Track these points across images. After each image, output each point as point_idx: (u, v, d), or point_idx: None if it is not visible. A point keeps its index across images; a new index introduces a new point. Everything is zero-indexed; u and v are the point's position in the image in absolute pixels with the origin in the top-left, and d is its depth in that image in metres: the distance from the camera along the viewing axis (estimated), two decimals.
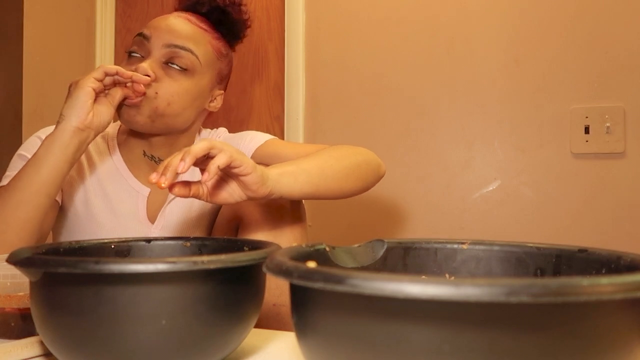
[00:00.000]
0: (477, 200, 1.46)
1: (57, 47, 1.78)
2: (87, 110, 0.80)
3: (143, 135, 0.97)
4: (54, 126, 0.89)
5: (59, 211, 0.96)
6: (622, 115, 1.33)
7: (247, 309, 0.49)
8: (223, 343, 0.48)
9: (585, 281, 0.27)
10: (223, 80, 1.01)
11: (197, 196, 0.67)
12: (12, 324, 0.60)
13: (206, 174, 0.62)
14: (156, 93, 0.88)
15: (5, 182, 0.88)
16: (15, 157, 0.92)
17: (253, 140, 0.99)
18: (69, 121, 0.79)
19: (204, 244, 0.63)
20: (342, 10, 1.61)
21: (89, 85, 0.80)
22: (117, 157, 0.99)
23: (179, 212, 0.98)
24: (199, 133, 1.06)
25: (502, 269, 0.49)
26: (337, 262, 0.48)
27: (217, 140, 0.66)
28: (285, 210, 0.88)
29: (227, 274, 0.46)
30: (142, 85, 0.85)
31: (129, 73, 0.83)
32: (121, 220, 0.95)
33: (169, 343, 0.44)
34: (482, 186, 1.46)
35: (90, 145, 0.98)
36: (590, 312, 0.30)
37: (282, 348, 0.59)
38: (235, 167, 0.65)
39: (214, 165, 0.62)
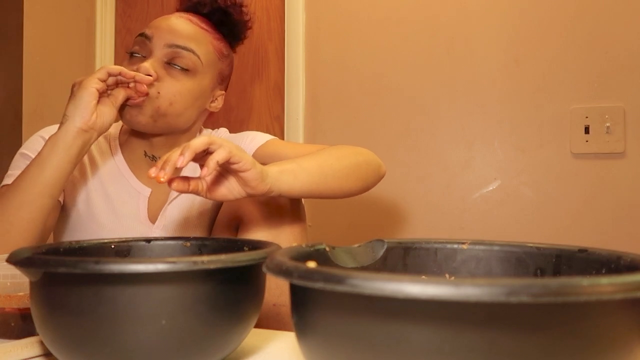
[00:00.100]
0: (477, 200, 1.46)
1: (57, 47, 1.78)
2: (90, 111, 0.80)
3: (144, 136, 0.97)
4: (56, 125, 0.89)
5: (61, 211, 0.96)
6: (622, 115, 1.33)
7: (247, 309, 0.49)
8: (223, 343, 0.48)
9: (585, 281, 0.27)
10: (224, 80, 1.01)
11: (196, 192, 0.67)
12: (12, 324, 0.60)
13: (205, 169, 0.62)
14: (158, 93, 0.88)
15: (7, 180, 0.88)
16: (17, 156, 0.92)
17: (254, 140, 0.99)
18: (72, 122, 0.79)
19: (204, 244, 0.63)
20: (342, 10, 1.61)
21: (92, 85, 0.79)
22: (119, 158, 0.99)
23: (179, 212, 0.98)
24: (200, 133, 1.06)
25: (502, 269, 0.49)
26: (337, 262, 0.48)
27: (217, 136, 0.66)
28: (285, 210, 0.88)
29: (227, 274, 0.46)
30: (144, 86, 0.85)
31: (132, 73, 0.83)
32: (122, 221, 0.95)
33: (169, 343, 0.44)
34: (482, 186, 1.46)
35: (92, 146, 0.98)
36: (590, 312, 0.30)
37: (282, 348, 0.59)
38: (234, 163, 0.65)
39: (213, 161, 0.62)
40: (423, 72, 1.52)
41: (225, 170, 0.68)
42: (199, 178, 0.66)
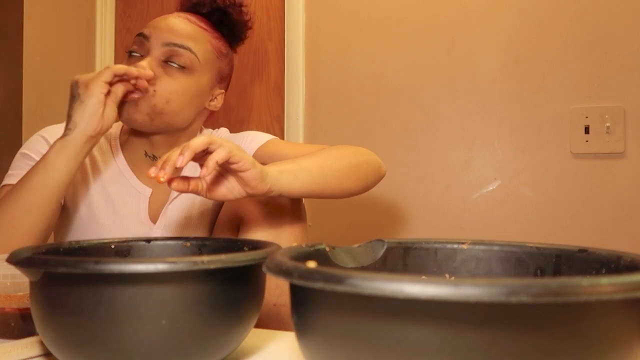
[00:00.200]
0: (477, 200, 1.46)
1: (57, 47, 1.78)
2: (99, 118, 0.80)
3: (144, 135, 0.97)
4: (57, 125, 0.89)
5: (61, 211, 0.96)
6: (622, 115, 1.33)
7: (247, 309, 0.49)
8: (223, 343, 0.48)
9: (585, 281, 0.27)
10: (223, 80, 1.01)
11: (195, 191, 0.67)
12: (12, 324, 0.60)
13: (205, 169, 0.62)
14: (154, 91, 0.88)
15: (8, 180, 0.88)
16: (18, 156, 0.92)
17: (254, 140, 1.00)
18: (82, 130, 0.79)
19: (204, 244, 0.63)
20: (342, 10, 1.61)
21: (101, 92, 0.79)
22: (120, 158, 0.99)
23: (180, 212, 0.98)
24: (200, 132, 1.06)
25: (502, 269, 0.49)
26: (337, 262, 0.48)
27: (217, 136, 0.66)
28: (285, 209, 0.88)
29: (227, 274, 0.46)
30: (144, 81, 0.85)
31: (136, 71, 0.83)
32: (123, 221, 0.95)
33: (169, 343, 0.44)
34: (482, 186, 1.45)
35: None
36: (590, 312, 0.30)
37: (282, 348, 0.59)
38: (234, 163, 0.65)
39: (212, 160, 0.62)
40: (423, 72, 1.52)
41: (225, 170, 0.68)
42: (198, 178, 0.67)
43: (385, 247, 0.51)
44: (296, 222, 0.89)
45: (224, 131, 1.09)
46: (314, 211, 1.57)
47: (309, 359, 0.37)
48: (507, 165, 1.44)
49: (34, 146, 0.91)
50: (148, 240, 0.63)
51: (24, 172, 0.82)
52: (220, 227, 0.97)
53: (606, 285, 0.28)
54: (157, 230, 0.96)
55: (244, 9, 1.01)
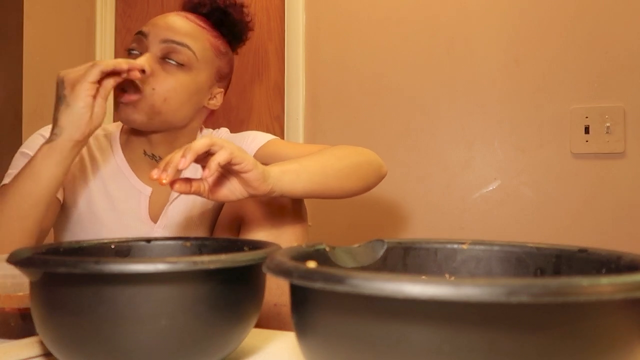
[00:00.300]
0: (477, 200, 1.46)
1: (57, 47, 1.78)
2: (86, 121, 0.77)
3: (143, 134, 0.97)
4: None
5: (61, 210, 0.96)
6: (622, 115, 1.33)
7: (247, 309, 0.49)
8: (223, 343, 0.48)
9: (585, 281, 0.27)
10: (223, 79, 1.01)
11: (198, 193, 0.67)
12: (12, 324, 0.60)
13: (207, 171, 0.62)
14: (153, 89, 0.89)
15: (7, 180, 0.88)
16: (17, 155, 0.92)
17: (255, 140, 1.00)
18: (69, 135, 0.77)
19: (204, 244, 0.63)
20: (342, 10, 1.61)
21: (88, 94, 0.76)
22: (120, 157, 0.99)
23: (181, 211, 0.98)
24: (200, 132, 1.06)
25: (502, 269, 0.49)
26: (337, 262, 0.48)
27: (219, 137, 0.66)
28: (286, 209, 0.88)
29: (227, 274, 0.46)
30: (137, 72, 0.81)
31: (126, 65, 0.79)
32: (123, 220, 0.95)
33: (169, 343, 0.44)
34: (482, 186, 1.45)
35: (93, 145, 0.99)
36: (590, 312, 0.30)
37: (282, 348, 0.59)
38: (236, 164, 0.65)
39: (214, 162, 0.62)
40: (423, 72, 1.52)
41: (227, 171, 0.68)
42: (200, 179, 0.67)
43: (385, 247, 0.51)
44: (297, 222, 0.89)
45: (224, 131, 1.09)
46: (314, 211, 1.57)
47: (309, 359, 0.37)
48: (507, 165, 1.44)
49: (34, 145, 0.91)
50: (148, 240, 0.63)
51: None
52: (221, 227, 0.97)
53: (606, 285, 0.28)
54: (158, 229, 0.96)
55: (245, 9, 1.01)
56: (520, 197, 1.42)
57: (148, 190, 0.98)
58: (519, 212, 1.42)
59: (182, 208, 0.98)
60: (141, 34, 0.92)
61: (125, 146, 1.00)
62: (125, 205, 0.96)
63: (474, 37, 1.47)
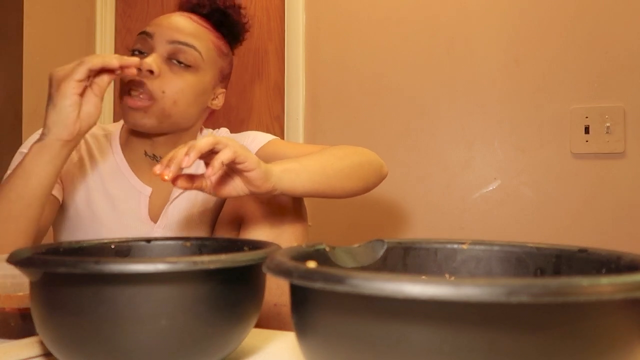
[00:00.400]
0: (477, 200, 1.46)
1: (57, 47, 1.78)
2: (73, 121, 0.75)
3: (146, 135, 0.97)
4: None
5: (60, 209, 0.96)
6: (622, 115, 1.33)
7: (247, 309, 0.49)
8: (223, 343, 0.48)
9: (585, 281, 0.27)
10: (224, 79, 1.02)
11: (200, 189, 0.67)
12: (12, 324, 0.60)
13: (210, 169, 0.62)
14: (163, 92, 0.89)
15: None
16: (17, 155, 0.92)
17: (255, 140, 1.00)
18: (56, 135, 0.75)
19: (204, 244, 0.63)
20: (342, 10, 1.61)
21: (73, 92, 0.74)
22: (120, 157, 0.99)
23: (181, 211, 0.98)
24: (200, 132, 1.06)
25: (502, 269, 0.49)
26: (337, 262, 0.48)
27: (222, 136, 0.66)
28: (287, 210, 0.88)
29: (227, 274, 0.46)
30: (134, 69, 0.78)
31: (116, 62, 0.76)
32: (123, 220, 0.95)
33: (169, 343, 0.44)
34: (482, 186, 1.45)
35: (93, 145, 0.99)
36: (590, 312, 0.30)
37: (282, 348, 0.59)
38: (239, 163, 0.65)
39: (218, 161, 0.62)
40: (423, 72, 1.52)
41: (230, 169, 0.69)
42: (202, 175, 0.67)
43: (385, 247, 0.51)
44: (297, 222, 0.89)
45: (224, 131, 1.09)
46: (314, 211, 1.57)
47: (309, 359, 0.37)
48: (507, 165, 1.44)
49: None
50: (148, 240, 0.63)
51: None
52: (221, 227, 0.97)
53: (606, 285, 0.28)
54: (158, 229, 0.96)
55: (242, 11, 1.02)
56: (520, 197, 1.42)
57: (148, 190, 0.98)
58: (519, 212, 1.42)
59: (182, 208, 0.98)
60: (146, 34, 0.92)
61: (125, 146, 1.00)
62: (125, 205, 0.96)
63: (474, 37, 1.47)
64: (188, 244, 0.63)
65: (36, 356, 0.55)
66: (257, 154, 0.98)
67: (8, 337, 0.59)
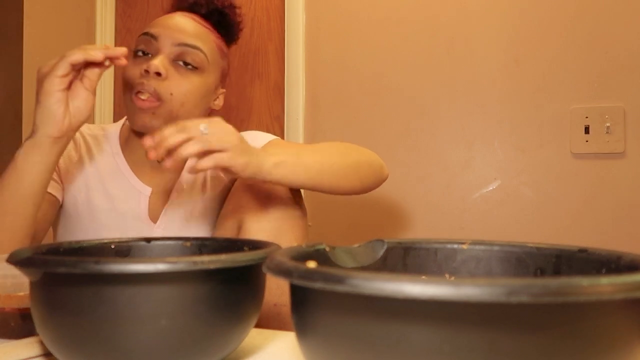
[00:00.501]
0: (477, 200, 1.46)
1: (57, 47, 1.78)
2: (60, 117, 0.73)
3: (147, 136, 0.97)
4: None
5: (60, 209, 0.96)
6: (622, 115, 1.33)
7: (247, 309, 0.49)
8: (223, 343, 0.48)
9: (585, 281, 0.27)
10: (224, 79, 1.02)
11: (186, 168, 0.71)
12: (12, 324, 0.60)
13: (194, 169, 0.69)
14: (171, 94, 0.89)
15: None
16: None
17: (256, 140, 1.00)
18: (43, 132, 0.73)
19: (204, 244, 0.63)
20: (342, 10, 1.61)
21: (57, 89, 0.71)
22: (120, 157, 0.99)
23: (180, 211, 0.98)
24: None
25: (502, 269, 0.49)
26: (337, 262, 0.48)
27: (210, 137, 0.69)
28: (287, 210, 0.88)
29: (227, 274, 0.46)
30: (123, 59, 0.75)
31: (100, 54, 0.73)
32: (123, 220, 0.95)
33: (169, 343, 0.44)
34: (482, 186, 1.45)
35: (92, 145, 0.99)
36: (590, 312, 0.30)
37: (282, 348, 0.59)
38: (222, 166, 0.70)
39: (203, 165, 0.68)
40: (423, 72, 1.52)
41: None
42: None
43: (385, 247, 0.51)
44: (297, 222, 0.89)
45: None
46: (314, 211, 1.57)
47: (309, 359, 0.37)
48: (507, 165, 1.44)
49: None
50: (148, 240, 0.63)
51: None
52: (221, 227, 0.97)
53: (606, 285, 0.28)
54: (158, 229, 0.96)
55: (237, 10, 1.02)
56: (520, 197, 1.42)
57: (148, 190, 0.98)
58: (519, 212, 1.42)
59: (182, 208, 0.98)
60: (150, 35, 0.91)
61: (125, 146, 1.00)
62: (125, 206, 0.96)
63: (474, 37, 1.47)
64: (188, 244, 0.63)
65: (36, 356, 0.55)
66: None
67: (8, 337, 0.59)
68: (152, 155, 0.66)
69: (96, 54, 0.73)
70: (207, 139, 0.68)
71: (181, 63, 0.91)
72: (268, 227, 0.87)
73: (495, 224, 1.44)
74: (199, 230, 0.99)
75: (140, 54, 0.92)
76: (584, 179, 1.36)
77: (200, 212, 0.99)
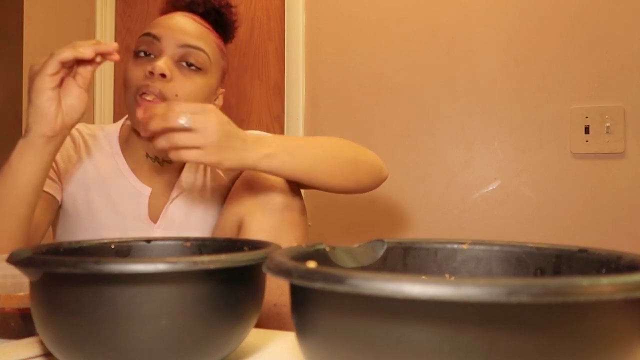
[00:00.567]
0: (477, 200, 1.46)
1: (57, 47, 1.77)
2: (52, 116, 0.72)
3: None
4: None
5: (60, 210, 0.96)
6: (622, 115, 1.33)
7: (247, 309, 0.49)
8: (223, 343, 0.48)
9: (585, 281, 0.27)
10: (224, 78, 1.02)
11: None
12: (12, 324, 0.60)
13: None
14: (176, 95, 0.88)
15: None
16: None
17: None
18: (36, 131, 0.73)
19: (204, 244, 0.63)
20: (342, 10, 1.61)
21: (47, 87, 0.71)
22: (119, 157, 0.99)
23: (180, 211, 0.98)
24: None
25: (502, 269, 0.49)
26: (337, 262, 0.48)
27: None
28: (287, 210, 0.88)
29: (227, 274, 0.46)
30: (116, 55, 0.74)
31: (90, 51, 0.72)
32: (123, 220, 0.95)
33: (169, 343, 0.44)
34: (482, 186, 1.45)
35: (92, 144, 0.99)
36: (590, 312, 0.30)
37: (282, 348, 0.59)
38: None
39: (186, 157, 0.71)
40: (423, 72, 1.52)
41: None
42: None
43: (385, 247, 0.51)
44: (297, 222, 0.89)
45: None
46: (314, 211, 1.57)
47: (309, 359, 0.37)
48: (507, 165, 1.44)
49: None
50: (148, 240, 0.63)
51: None
52: (221, 227, 0.97)
53: (606, 285, 0.28)
54: (158, 229, 0.96)
55: (233, 9, 1.02)
56: (520, 197, 1.42)
57: (148, 190, 0.98)
58: (519, 212, 1.42)
59: (181, 208, 0.98)
60: (152, 36, 0.91)
61: (125, 146, 1.00)
62: (125, 206, 0.96)
63: (474, 37, 1.47)
64: (188, 244, 0.63)
65: (36, 356, 0.55)
66: None
67: (8, 337, 0.59)
68: (140, 115, 0.72)
69: (85, 51, 0.72)
70: (184, 134, 0.70)
71: (184, 64, 0.91)
72: (268, 227, 0.87)
73: (495, 224, 1.44)
74: (199, 230, 0.99)
75: (142, 54, 0.91)
76: (584, 179, 1.36)
77: (200, 212, 0.99)
